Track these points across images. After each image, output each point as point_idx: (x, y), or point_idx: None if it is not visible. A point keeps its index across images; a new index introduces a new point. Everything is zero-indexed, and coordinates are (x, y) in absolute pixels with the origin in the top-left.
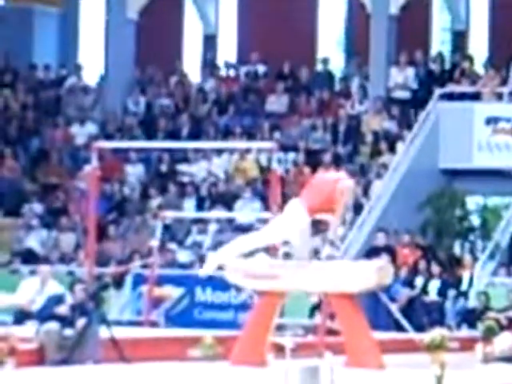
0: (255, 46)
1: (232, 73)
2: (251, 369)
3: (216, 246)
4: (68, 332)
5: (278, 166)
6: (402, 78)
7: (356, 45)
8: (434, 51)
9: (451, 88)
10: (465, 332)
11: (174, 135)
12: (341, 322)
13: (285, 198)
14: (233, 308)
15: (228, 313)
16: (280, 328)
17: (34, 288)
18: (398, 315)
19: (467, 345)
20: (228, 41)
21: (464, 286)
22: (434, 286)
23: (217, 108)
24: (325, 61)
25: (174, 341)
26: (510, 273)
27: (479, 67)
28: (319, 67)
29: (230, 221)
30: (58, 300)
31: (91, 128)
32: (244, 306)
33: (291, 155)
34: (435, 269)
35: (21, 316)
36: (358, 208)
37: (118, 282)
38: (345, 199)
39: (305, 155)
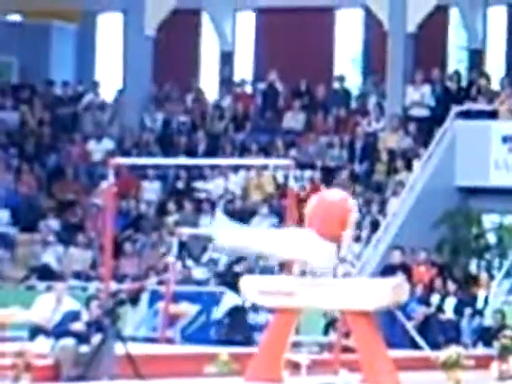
0: (272, 63)
1: (249, 90)
2: None
3: (232, 263)
4: (83, 348)
5: (295, 184)
6: (419, 95)
7: (373, 62)
8: (450, 69)
9: (468, 106)
10: (480, 350)
11: (190, 152)
12: (356, 339)
13: (301, 215)
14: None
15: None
16: (295, 345)
17: (50, 305)
18: (414, 333)
19: (483, 363)
20: (245, 58)
21: (480, 304)
22: (450, 303)
23: (233, 125)
24: (341, 78)
25: (190, 357)
26: None
27: (496, 85)
28: (336, 85)
29: None
30: (74, 316)
31: (108, 144)
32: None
33: (308, 172)
34: (451, 287)
35: (36, 332)
36: (374, 226)
37: (134, 299)
38: (353, 218)
39: (321, 173)
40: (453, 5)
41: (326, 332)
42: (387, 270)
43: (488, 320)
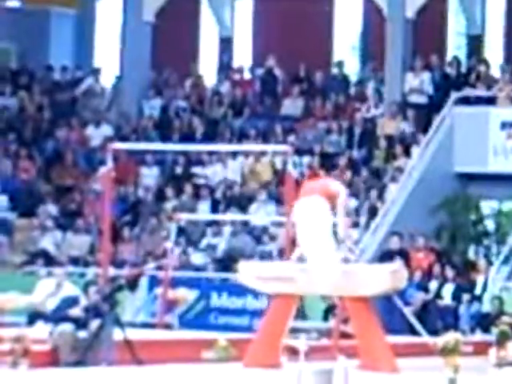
0: (271, 49)
1: (247, 76)
2: (265, 371)
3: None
4: (82, 334)
5: (293, 169)
6: (418, 82)
7: (371, 48)
8: (449, 55)
9: (467, 92)
10: (479, 336)
11: (189, 137)
12: (355, 325)
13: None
14: (248, 314)
15: (243, 318)
16: (294, 331)
17: (49, 289)
18: (412, 319)
19: (481, 349)
20: (244, 44)
21: (478, 291)
22: (449, 290)
23: (232, 111)
24: (340, 64)
25: (188, 343)
26: None
27: (495, 71)
28: (334, 71)
29: (245, 223)
30: (73, 302)
31: (106, 130)
32: (259, 312)
33: (306, 158)
34: (449, 273)
35: (35, 317)
36: (372, 211)
37: (133, 284)
38: (342, 196)
39: (320, 159)
40: None
41: (325, 318)
42: (385, 256)
43: (486, 306)
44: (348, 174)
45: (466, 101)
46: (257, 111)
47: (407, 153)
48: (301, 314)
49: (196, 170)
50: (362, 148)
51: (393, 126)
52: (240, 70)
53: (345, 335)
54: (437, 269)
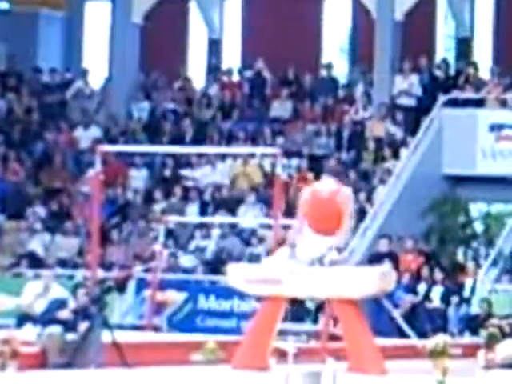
0: (260, 52)
1: (236, 78)
2: (253, 373)
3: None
4: (70, 336)
5: (282, 172)
6: (407, 84)
7: (360, 51)
8: (438, 58)
9: (455, 94)
10: (467, 339)
11: (177, 140)
12: (343, 327)
13: (288, 204)
14: (235, 316)
15: (231, 321)
16: (283, 333)
17: (37, 291)
18: (401, 321)
19: (469, 351)
20: (232, 46)
21: (467, 293)
22: (437, 292)
23: (221, 113)
24: (329, 67)
25: (176, 345)
26: None
27: (483, 74)
28: (323, 73)
29: (233, 226)
30: (61, 304)
31: (95, 132)
32: (247, 314)
33: (295, 161)
34: (438, 275)
35: (23, 319)
36: (361, 214)
37: (121, 287)
38: (348, 209)
39: (308, 161)
40: None
41: (315, 320)
42: (374, 259)
43: (475, 308)
44: (342, 174)
45: (454, 103)
46: (245, 113)
47: (396, 155)
48: (299, 316)
49: (185, 172)
50: (351, 150)
51: (381, 129)
52: (229, 72)
53: (333, 337)
54: (425, 271)
